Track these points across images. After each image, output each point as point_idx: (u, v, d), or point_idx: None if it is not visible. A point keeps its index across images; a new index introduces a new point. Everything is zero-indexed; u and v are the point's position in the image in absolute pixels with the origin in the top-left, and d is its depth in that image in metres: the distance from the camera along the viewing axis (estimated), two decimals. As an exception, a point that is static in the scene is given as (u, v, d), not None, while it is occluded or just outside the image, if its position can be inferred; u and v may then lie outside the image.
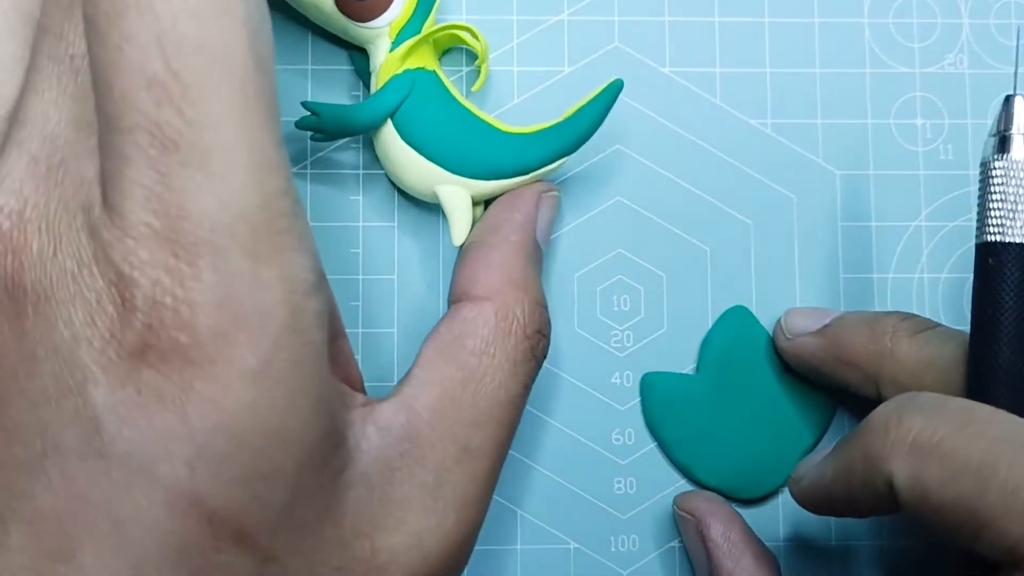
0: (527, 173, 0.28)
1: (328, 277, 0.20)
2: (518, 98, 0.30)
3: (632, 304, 0.30)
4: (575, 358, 0.30)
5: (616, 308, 0.30)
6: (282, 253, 0.17)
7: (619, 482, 0.30)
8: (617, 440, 0.30)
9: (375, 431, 0.21)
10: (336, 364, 0.23)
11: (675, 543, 0.30)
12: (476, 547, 0.29)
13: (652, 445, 0.30)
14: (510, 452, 0.29)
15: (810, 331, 0.28)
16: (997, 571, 0.20)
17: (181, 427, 0.17)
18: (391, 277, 0.30)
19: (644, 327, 0.30)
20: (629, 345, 0.30)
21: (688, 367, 0.30)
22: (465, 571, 0.29)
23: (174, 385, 0.17)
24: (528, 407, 0.29)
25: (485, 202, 0.28)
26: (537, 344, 0.24)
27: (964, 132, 0.31)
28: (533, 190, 0.27)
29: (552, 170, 0.28)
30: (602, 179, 0.30)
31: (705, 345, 0.30)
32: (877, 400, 0.24)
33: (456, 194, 0.27)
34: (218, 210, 0.17)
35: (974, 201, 0.31)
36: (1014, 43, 0.31)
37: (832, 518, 0.29)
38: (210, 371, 0.17)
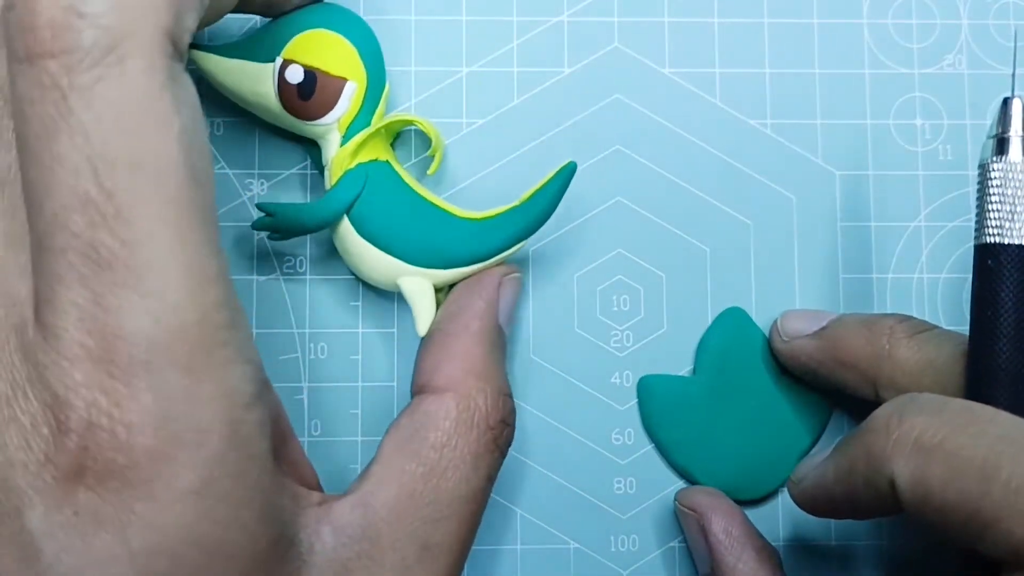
0: (486, 259, 0.28)
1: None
2: (518, 99, 0.30)
3: (632, 304, 0.30)
4: (575, 358, 0.30)
5: (616, 308, 0.30)
6: (221, 367, 0.17)
7: (619, 482, 0.30)
8: (617, 440, 0.30)
9: (330, 531, 0.20)
10: (287, 464, 0.22)
11: (675, 543, 0.30)
12: (476, 547, 0.29)
13: (651, 446, 0.30)
14: (510, 452, 0.29)
15: (807, 333, 0.28)
16: (999, 571, 0.20)
17: (120, 550, 0.16)
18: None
19: (644, 327, 0.30)
20: (629, 345, 0.30)
21: (687, 367, 0.30)
22: (465, 571, 0.29)
23: (112, 507, 0.16)
24: (528, 407, 0.29)
25: (448, 286, 0.29)
26: (500, 434, 0.24)
27: (963, 132, 0.31)
28: (494, 274, 0.27)
29: (511, 254, 0.28)
30: (602, 179, 0.30)
31: (701, 347, 0.30)
32: (875, 402, 0.24)
33: (418, 284, 0.27)
34: (154, 328, 0.16)
35: (973, 201, 0.31)
36: (1013, 44, 0.31)
37: (832, 519, 0.29)
38: (149, 492, 0.16)
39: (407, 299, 0.27)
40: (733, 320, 0.30)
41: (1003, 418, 0.21)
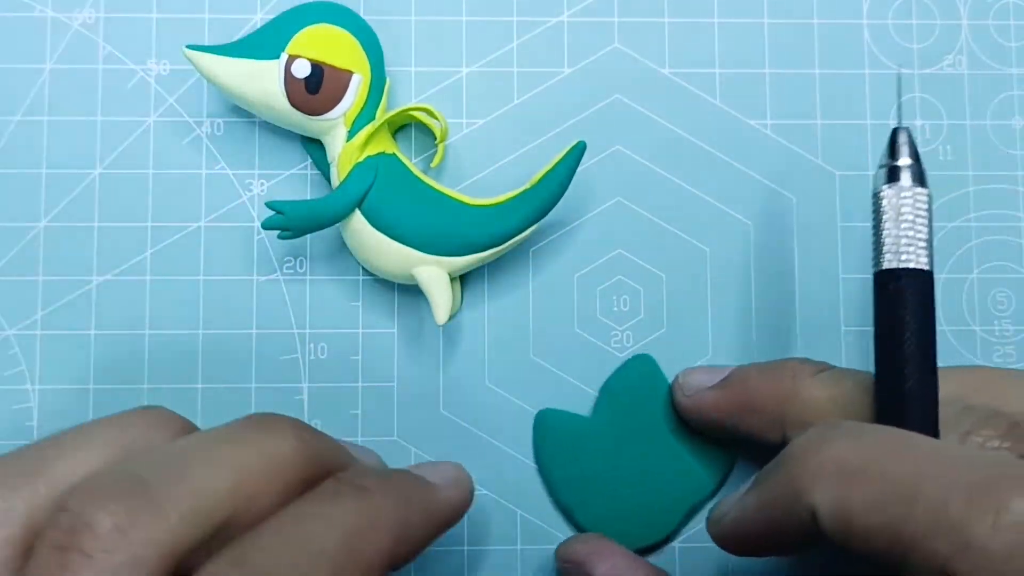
0: (500, 244, 0.28)
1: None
2: (518, 99, 0.30)
3: (632, 304, 0.30)
4: (575, 358, 0.30)
5: (616, 308, 0.30)
6: None
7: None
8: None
9: None
10: None
11: (675, 543, 0.29)
12: (476, 547, 0.29)
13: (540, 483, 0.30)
14: (510, 452, 0.29)
15: (708, 386, 0.28)
16: None
17: None
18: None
19: (644, 327, 0.30)
20: (629, 345, 0.30)
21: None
22: (466, 570, 0.29)
23: None
24: (528, 407, 0.29)
25: (460, 276, 0.29)
26: None
27: (963, 133, 0.31)
28: None
29: (524, 238, 0.28)
30: (602, 179, 0.30)
31: (604, 389, 0.29)
32: (781, 445, 0.24)
33: (434, 274, 0.28)
34: None
35: (973, 201, 0.31)
36: (1013, 44, 0.31)
37: (753, 557, 0.28)
38: None
39: (423, 289, 0.28)
40: (640, 367, 0.30)
41: (920, 440, 0.21)
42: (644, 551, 0.29)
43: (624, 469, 0.29)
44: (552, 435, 0.29)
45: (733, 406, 0.27)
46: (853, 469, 0.20)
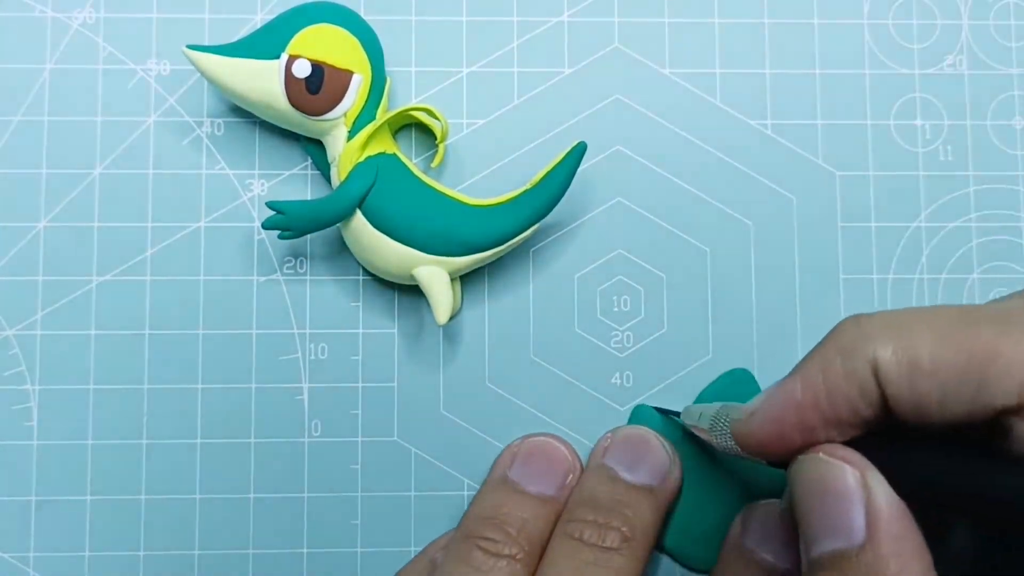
0: (501, 244, 0.28)
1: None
2: (518, 99, 0.30)
3: (632, 304, 0.30)
4: (575, 358, 0.30)
5: (616, 309, 0.30)
6: None
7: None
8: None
9: None
10: None
11: (675, 543, 0.29)
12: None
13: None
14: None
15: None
16: (999, 431, 0.19)
17: None
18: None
19: (644, 327, 0.30)
20: (629, 346, 0.30)
21: (687, 368, 0.30)
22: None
23: None
24: (528, 407, 0.29)
25: (460, 276, 0.29)
26: None
27: (963, 133, 0.31)
28: None
29: (524, 238, 0.28)
30: (602, 179, 0.30)
31: (700, 398, 0.29)
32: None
33: (434, 274, 0.28)
34: None
35: (974, 201, 0.31)
36: (1014, 44, 0.31)
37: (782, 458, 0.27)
38: None
39: (424, 289, 0.28)
40: (736, 380, 0.29)
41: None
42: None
43: (699, 479, 0.28)
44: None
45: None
46: (907, 318, 0.20)
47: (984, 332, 0.19)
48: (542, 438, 0.28)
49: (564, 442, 0.29)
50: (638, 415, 0.29)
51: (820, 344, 0.22)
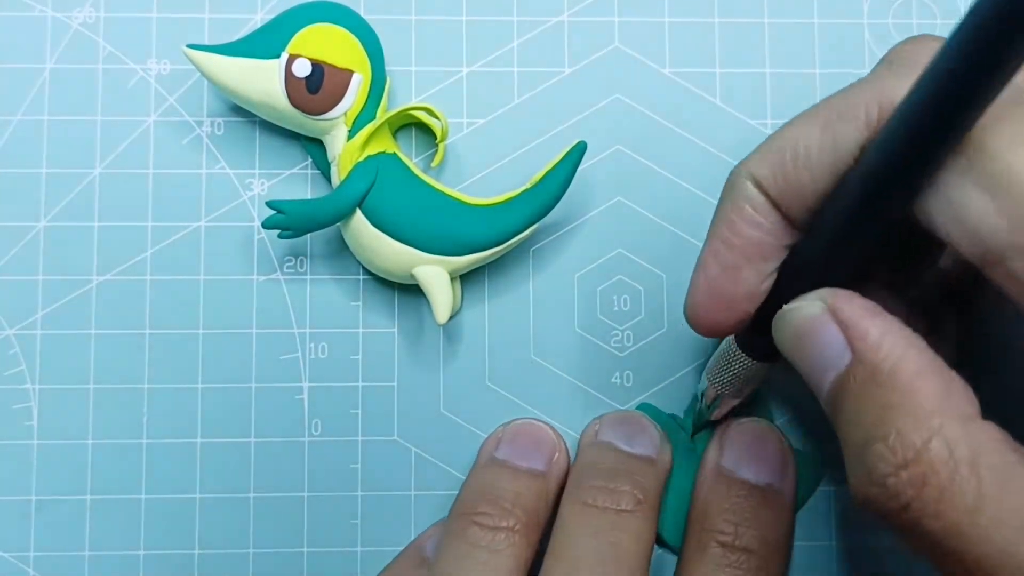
0: (501, 244, 0.28)
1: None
2: (518, 99, 0.30)
3: (632, 304, 0.30)
4: (575, 358, 0.30)
5: (616, 308, 0.30)
6: None
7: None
8: (617, 440, 0.30)
9: None
10: None
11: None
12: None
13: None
14: (510, 452, 0.29)
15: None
16: None
17: None
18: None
19: (644, 327, 0.30)
20: (629, 345, 0.30)
21: (687, 368, 0.30)
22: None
23: None
24: (528, 406, 0.29)
25: (460, 276, 0.29)
26: None
27: (964, 133, 0.31)
28: None
29: (524, 238, 0.28)
30: (602, 179, 0.30)
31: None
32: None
33: (434, 274, 0.28)
34: None
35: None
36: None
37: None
38: None
39: (424, 288, 0.28)
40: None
41: None
42: None
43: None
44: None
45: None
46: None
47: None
48: (525, 420, 0.29)
49: (547, 424, 0.29)
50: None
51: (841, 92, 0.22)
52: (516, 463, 0.27)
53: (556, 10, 0.31)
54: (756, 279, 0.23)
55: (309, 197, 0.30)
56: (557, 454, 0.28)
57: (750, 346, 0.25)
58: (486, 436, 0.29)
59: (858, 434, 0.19)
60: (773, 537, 0.26)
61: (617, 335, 0.30)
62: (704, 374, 0.28)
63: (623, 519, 0.26)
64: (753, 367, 0.26)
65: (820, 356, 0.20)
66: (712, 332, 0.24)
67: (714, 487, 0.27)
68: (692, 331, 0.30)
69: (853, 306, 0.20)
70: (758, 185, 0.22)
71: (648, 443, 0.28)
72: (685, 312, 0.24)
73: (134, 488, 0.29)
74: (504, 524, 0.26)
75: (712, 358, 0.27)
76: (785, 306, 0.22)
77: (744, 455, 0.27)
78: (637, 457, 0.27)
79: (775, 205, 0.22)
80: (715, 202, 0.30)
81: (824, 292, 0.21)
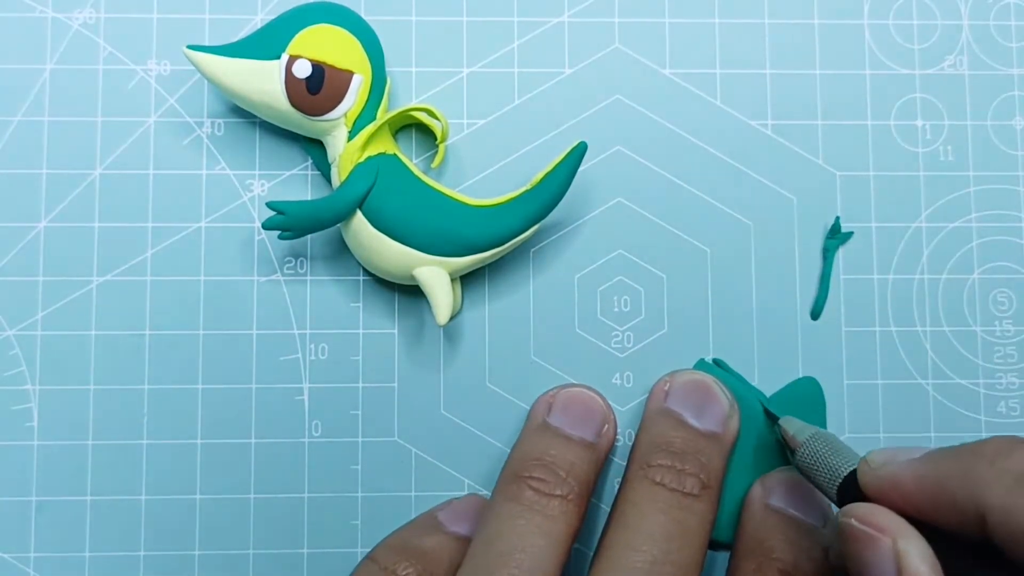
0: (501, 244, 0.28)
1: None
2: (518, 99, 0.30)
3: (632, 305, 0.30)
4: (575, 358, 0.30)
5: (616, 309, 0.30)
6: None
7: (619, 483, 0.30)
8: (618, 440, 0.30)
9: None
10: None
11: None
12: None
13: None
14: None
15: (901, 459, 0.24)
16: None
17: None
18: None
19: (644, 328, 0.30)
20: (629, 346, 0.30)
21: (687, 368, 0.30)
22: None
23: None
24: (528, 407, 0.29)
25: (460, 277, 0.29)
26: None
27: (964, 133, 0.31)
28: None
29: (525, 239, 0.28)
30: (602, 179, 0.30)
31: (769, 401, 0.29)
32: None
33: (435, 274, 0.28)
34: None
35: (975, 202, 0.31)
36: (1014, 45, 0.31)
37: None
38: None
39: (424, 289, 0.28)
40: (806, 390, 0.29)
41: None
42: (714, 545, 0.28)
43: (745, 469, 0.28)
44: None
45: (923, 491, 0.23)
46: None
47: None
48: (577, 387, 0.29)
49: (597, 392, 0.29)
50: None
51: (954, 453, 0.22)
52: (568, 431, 0.27)
53: (556, 11, 0.31)
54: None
55: (309, 198, 0.30)
56: (607, 426, 0.28)
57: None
58: (486, 436, 0.29)
59: None
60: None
61: (617, 336, 0.30)
62: (797, 455, 0.26)
63: (689, 502, 0.26)
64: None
65: None
66: (879, 502, 0.23)
67: (764, 520, 0.27)
68: (692, 331, 0.30)
69: (919, 554, 0.21)
70: (984, 521, 0.21)
71: (717, 415, 0.28)
72: (862, 468, 0.24)
73: (134, 489, 0.29)
74: (559, 492, 0.26)
75: (813, 454, 0.26)
76: (850, 520, 0.23)
77: (789, 496, 0.27)
78: (704, 434, 0.27)
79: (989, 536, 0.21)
80: (715, 202, 0.30)
81: (892, 522, 0.22)
